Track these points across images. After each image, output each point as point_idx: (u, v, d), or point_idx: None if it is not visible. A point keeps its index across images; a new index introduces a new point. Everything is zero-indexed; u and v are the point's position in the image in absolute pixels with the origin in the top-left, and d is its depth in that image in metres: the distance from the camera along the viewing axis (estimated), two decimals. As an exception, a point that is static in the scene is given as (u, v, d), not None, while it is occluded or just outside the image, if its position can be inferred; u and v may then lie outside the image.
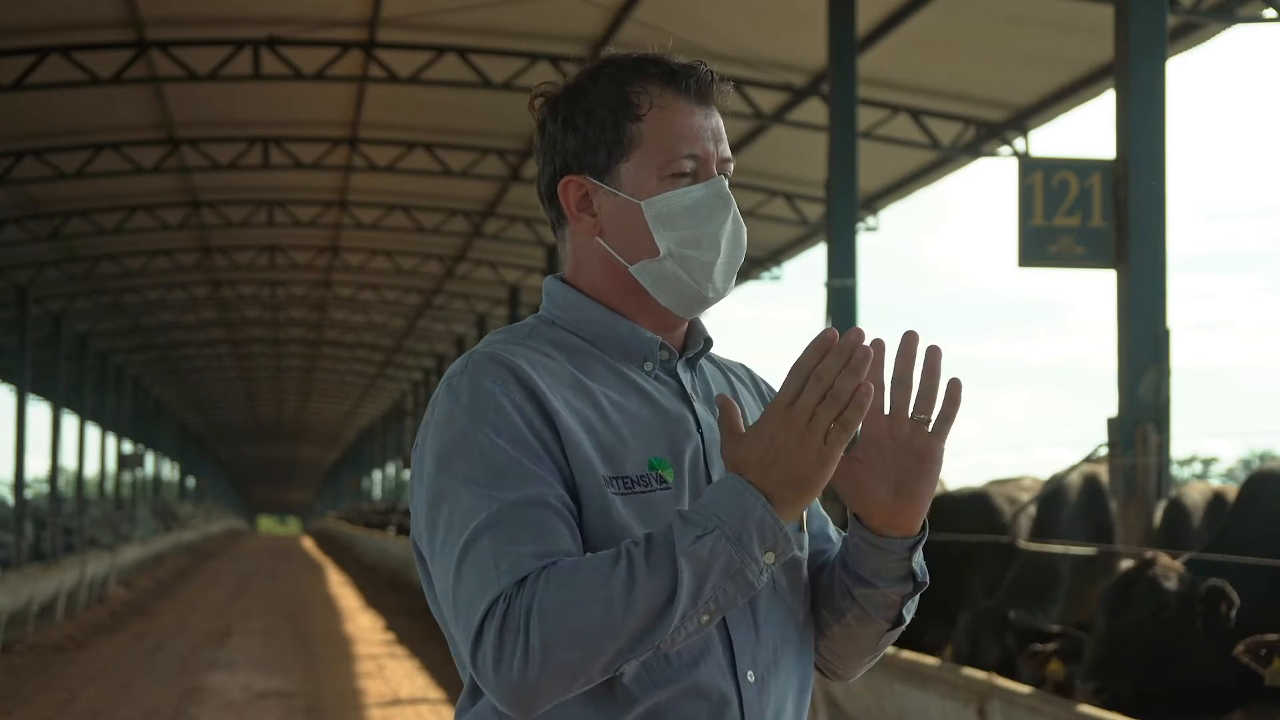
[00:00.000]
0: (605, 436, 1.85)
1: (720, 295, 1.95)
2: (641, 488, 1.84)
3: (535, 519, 1.76)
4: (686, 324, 2.01)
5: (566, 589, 1.69)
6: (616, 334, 1.95)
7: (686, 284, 1.92)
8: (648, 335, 1.95)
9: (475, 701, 1.89)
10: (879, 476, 1.86)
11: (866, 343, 1.72)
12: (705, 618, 1.72)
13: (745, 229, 1.97)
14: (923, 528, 1.91)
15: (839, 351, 1.70)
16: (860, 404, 1.69)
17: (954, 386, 1.86)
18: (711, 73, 1.95)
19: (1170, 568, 5.45)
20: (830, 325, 10.89)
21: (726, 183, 1.94)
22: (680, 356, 1.98)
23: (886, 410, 1.86)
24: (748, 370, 2.15)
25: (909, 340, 1.85)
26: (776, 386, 2.15)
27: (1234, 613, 5.25)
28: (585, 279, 1.98)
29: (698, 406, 1.95)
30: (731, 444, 1.76)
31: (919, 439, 1.86)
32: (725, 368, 2.10)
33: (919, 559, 1.94)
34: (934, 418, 1.86)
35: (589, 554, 1.74)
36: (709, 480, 1.89)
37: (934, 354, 1.85)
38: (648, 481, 1.85)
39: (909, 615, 1.98)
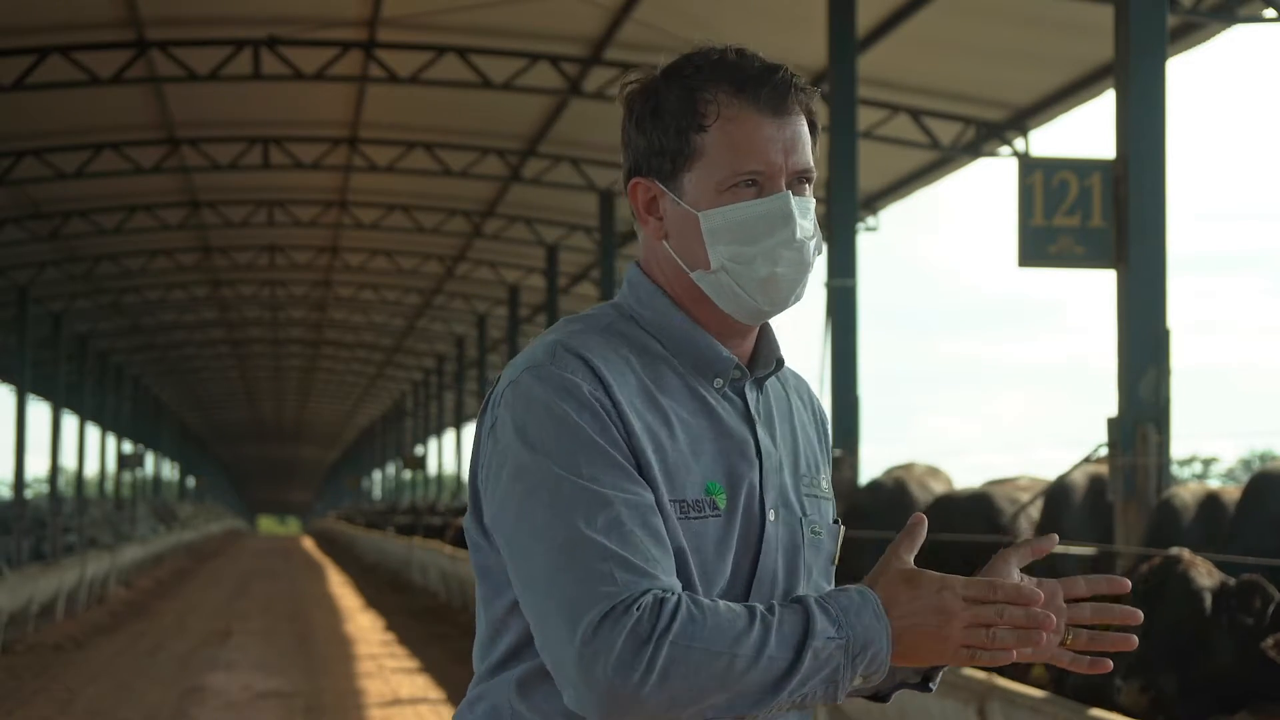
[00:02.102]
0: (672, 457, 1.83)
1: (777, 310, 1.92)
2: (696, 513, 1.82)
3: (649, 522, 1.76)
4: (756, 332, 1.97)
5: (701, 628, 1.70)
6: (696, 347, 1.91)
7: (742, 297, 1.89)
8: (725, 354, 1.91)
9: (495, 675, 1.87)
10: None
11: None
12: (788, 708, 1.76)
13: (814, 243, 1.91)
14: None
15: (1029, 616, 1.75)
16: (995, 660, 1.77)
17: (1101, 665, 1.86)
18: (790, 79, 1.89)
19: (1198, 564, 5.41)
20: (831, 325, 10.93)
21: (791, 198, 1.88)
22: (750, 376, 1.94)
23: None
24: (805, 385, 2.10)
25: (1120, 585, 1.86)
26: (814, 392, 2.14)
27: (1271, 608, 5.21)
28: (657, 277, 1.95)
29: (760, 431, 1.91)
30: (898, 577, 1.80)
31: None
32: (788, 384, 2.05)
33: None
34: (1064, 646, 1.85)
35: (724, 601, 1.75)
36: (761, 510, 1.87)
37: (1130, 616, 1.85)
38: (702, 507, 1.83)
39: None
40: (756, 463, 1.88)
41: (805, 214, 1.89)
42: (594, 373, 1.82)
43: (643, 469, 1.80)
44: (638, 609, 1.69)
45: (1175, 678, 5.23)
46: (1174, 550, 5.53)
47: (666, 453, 1.82)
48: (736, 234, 1.87)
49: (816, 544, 1.94)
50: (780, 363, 1.98)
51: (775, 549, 1.88)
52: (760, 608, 1.73)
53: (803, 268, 1.89)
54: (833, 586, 1.95)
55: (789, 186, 1.88)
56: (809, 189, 1.91)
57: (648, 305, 1.93)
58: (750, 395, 1.93)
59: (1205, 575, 5.36)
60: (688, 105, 1.87)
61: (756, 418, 1.92)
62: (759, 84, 1.87)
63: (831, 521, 1.99)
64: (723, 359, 1.91)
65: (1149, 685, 5.20)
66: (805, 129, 1.91)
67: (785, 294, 1.90)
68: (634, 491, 1.77)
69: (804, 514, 1.93)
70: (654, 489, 1.79)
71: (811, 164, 1.91)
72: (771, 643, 1.71)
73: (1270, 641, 4.77)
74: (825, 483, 2.01)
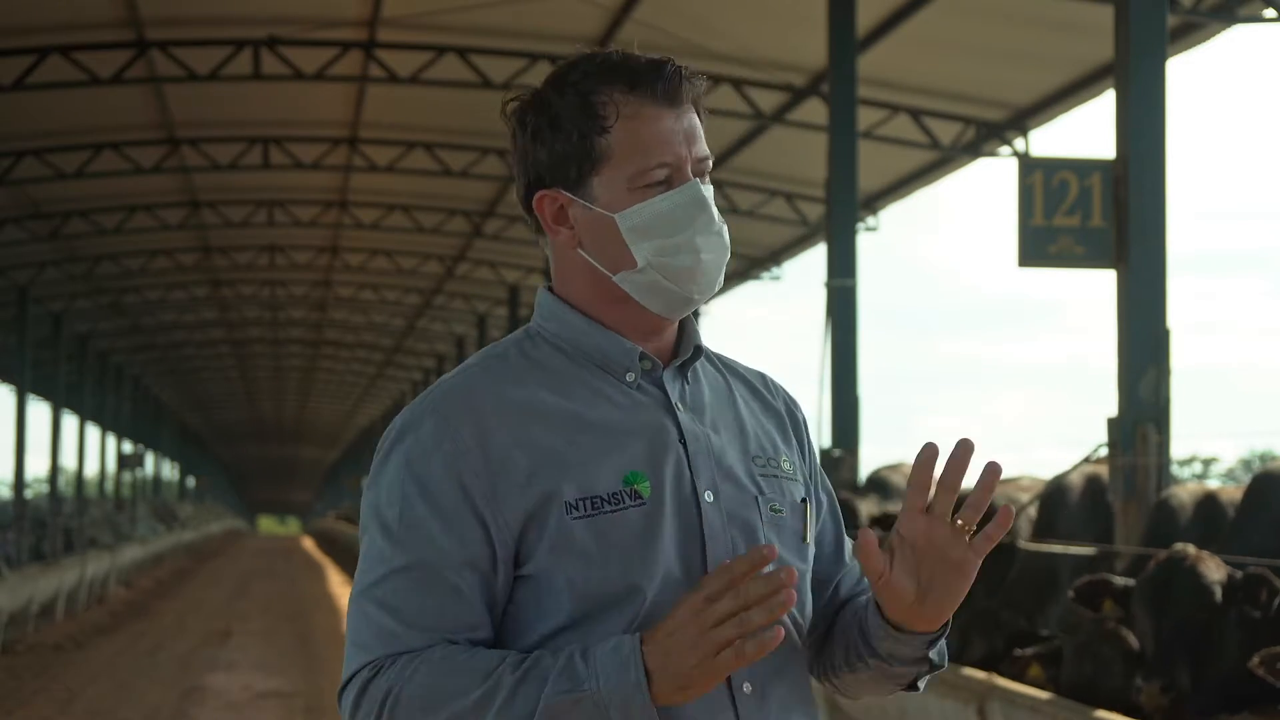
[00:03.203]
0: (572, 459, 1.83)
1: (706, 296, 1.93)
2: (612, 506, 1.82)
3: (427, 588, 1.79)
4: (676, 327, 1.97)
5: (428, 688, 1.74)
6: (596, 345, 1.92)
7: (670, 290, 1.89)
8: (628, 346, 1.92)
9: None
10: (907, 575, 1.82)
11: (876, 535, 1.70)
12: None
13: (727, 227, 1.93)
14: (945, 624, 1.89)
15: (767, 582, 1.68)
16: (764, 645, 1.67)
17: (1005, 514, 1.81)
18: (679, 71, 1.90)
19: (1205, 558, 5.39)
20: (831, 324, 10.93)
21: (701, 185, 1.90)
22: (666, 366, 1.94)
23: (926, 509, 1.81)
24: (764, 379, 2.09)
25: (963, 448, 1.80)
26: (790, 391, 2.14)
27: (1278, 602, 5.19)
28: (571, 288, 1.96)
29: (682, 417, 1.91)
30: (677, 605, 1.74)
31: (956, 548, 1.81)
32: (733, 373, 2.05)
33: (940, 647, 1.93)
34: (976, 529, 1.81)
35: (469, 653, 1.76)
36: (694, 493, 1.87)
37: (991, 471, 1.80)
38: (620, 499, 1.82)
39: (923, 685, 1.99)
40: (679, 447, 1.88)
41: (713, 200, 1.92)
42: (463, 417, 1.84)
43: (521, 493, 1.81)
44: (372, 669, 1.77)
45: (1190, 675, 5.20)
46: (1179, 545, 5.51)
47: (566, 458, 1.83)
48: (657, 229, 1.88)
49: (778, 522, 1.92)
50: (698, 351, 1.98)
51: (723, 529, 1.86)
52: (510, 664, 1.74)
53: (723, 251, 1.92)
54: (808, 566, 1.96)
55: (694, 175, 1.91)
56: (708, 178, 1.93)
57: (551, 319, 1.95)
58: (671, 384, 1.93)
59: (1214, 569, 5.33)
60: (586, 110, 1.88)
61: (679, 404, 1.92)
62: (652, 79, 1.88)
63: (799, 501, 1.97)
64: (626, 351, 1.92)
65: (1169, 686, 5.17)
66: (697, 119, 1.93)
67: (712, 279, 1.91)
68: (431, 553, 1.80)
69: (760, 492, 1.92)
70: (543, 503, 1.80)
71: (709, 152, 1.93)
72: (501, 698, 1.71)
73: (1257, 660, 4.76)
74: (788, 464, 1.99)
